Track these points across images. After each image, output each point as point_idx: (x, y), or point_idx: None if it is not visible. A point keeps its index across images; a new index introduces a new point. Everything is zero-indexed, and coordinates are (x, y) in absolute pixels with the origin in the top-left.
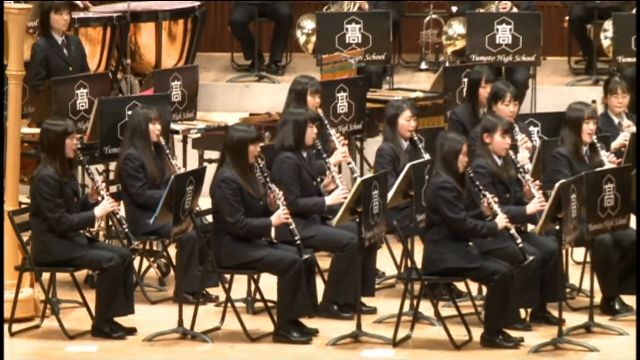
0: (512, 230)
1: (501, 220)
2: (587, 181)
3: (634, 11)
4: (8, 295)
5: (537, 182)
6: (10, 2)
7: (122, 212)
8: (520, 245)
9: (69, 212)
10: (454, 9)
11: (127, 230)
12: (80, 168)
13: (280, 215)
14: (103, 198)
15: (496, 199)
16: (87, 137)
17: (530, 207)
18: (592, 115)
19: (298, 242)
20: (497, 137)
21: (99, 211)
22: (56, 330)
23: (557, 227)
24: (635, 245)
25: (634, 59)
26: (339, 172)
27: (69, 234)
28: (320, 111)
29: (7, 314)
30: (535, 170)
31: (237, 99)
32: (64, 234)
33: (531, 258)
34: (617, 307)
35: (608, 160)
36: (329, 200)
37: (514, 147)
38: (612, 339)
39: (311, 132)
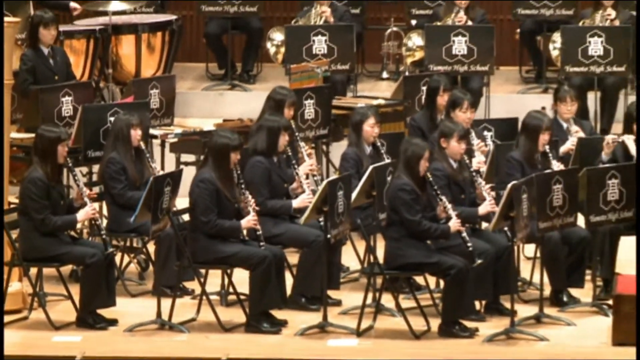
0: (464, 234)
1: (454, 224)
2: (537, 182)
3: (580, 24)
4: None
5: (489, 185)
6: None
7: (104, 213)
8: (471, 248)
9: (54, 214)
10: (413, 22)
11: (104, 236)
12: (65, 170)
13: (250, 220)
14: (86, 200)
15: (450, 206)
16: (71, 141)
17: (482, 209)
18: (549, 126)
19: (262, 246)
20: (453, 143)
21: (80, 216)
22: (43, 322)
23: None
24: (581, 241)
25: (580, 69)
26: (307, 177)
27: (55, 232)
28: (292, 122)
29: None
30: (489, 173)
31: (212, 106)
32: (49, 232)
33: (479, 262)
34: (565, 299)
35: (558, 164)
36: (295, 203)
37: (470, 151)
38: (561, 329)
39: (284, 140)
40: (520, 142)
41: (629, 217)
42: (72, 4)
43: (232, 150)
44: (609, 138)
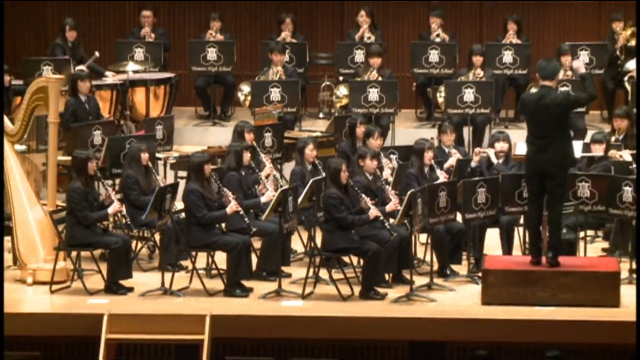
0: (381, 217)
1: (372, 213)
2: (428, 190)
3: (458, 79)
4: (49, 266)
5: (394, 191)
6: (49, 73)
7: (124, 211)
8: (388, 227)
9: (91, 211)
10: (341, 78)
11: (129, 222)
12: (96, 181)
13: (232, 206)
14: (113, 201)
15: (368, 199)
16: (101, 161)
17: (389, 207)
18: (430, 146)
19: (247, 222)
20: (367, 161)
21: (111, 210)
22: (80, 289)
23: (407, 221)
24: (459, 232)
25: (458, 110)
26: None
27: (90, 226)
28: (254, 143)
29: (48, 278)
30: (394, 183)
31: (200, 137)
32: (86, 226)
33: (395, 234)
34: (448, 272)
35: (443, 177)
36: (263, 199)
37: (381, 168)
38: (446, 294)
39: (246, 157)
40: (413, 161)
41: (492, 214)
42: (108, 73)
43: (205, 164)
44: (477, 150)
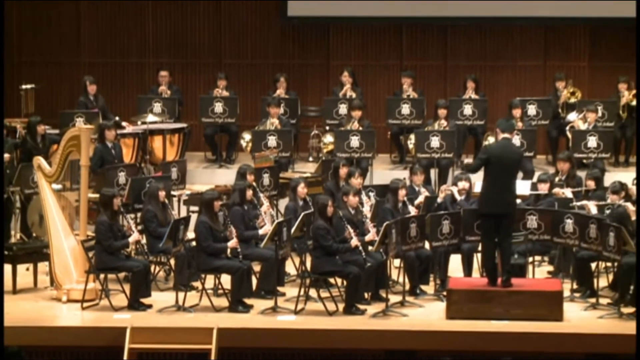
0: (360, 248)
1: (353, 242)
2: (401, 223)
3: (426, 129)
4: (81, 286)
5: (372, 223)
6: (81, 124)
7: (143, 240)
8: (364, 256)
9: (115, 241)
10: (327, 127)
11: (146, 251)
12: (120, 215)
13: (233, 242)
14: (134, 232)
15: (352, 230)
16: (125, 198)
17: (368, 237)
18: (403, 185)
19: (241, 259)
20: (350, 197)
21: (131, 239)
22: (107, 306)
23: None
24: (427, 257)
25: (426, 155)
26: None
27: (115, 253)
28: (255, 183)
29: (79, 297)
30: (372, 216)
31: (208, 177)
32: (112, 252)
33: (369, 264)
34: (418, 291)
35: (414, 211)
36: (261, 231)
37: (362, 203)
38: (416, 309)
39: (249, 194)
40: (388, 198)
41: (455, 242)
42: (124, 124)
43: (215, 200)
44: (442, 188)
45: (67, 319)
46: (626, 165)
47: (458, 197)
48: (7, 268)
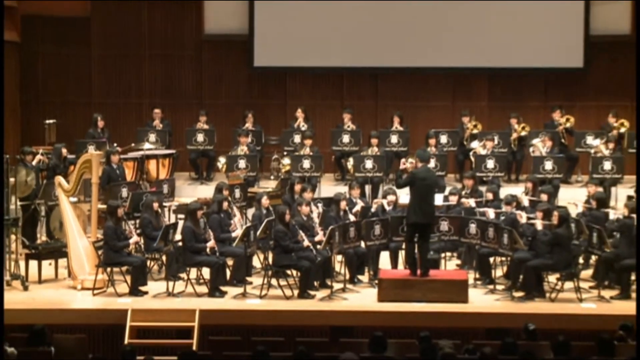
0: (311, 247)
1: (305, 243)
2: (342, 227)
3: (362, 153)
4: (92, 277)
5: (320, 227)
6: (92, 150)
7: (141, 241)
8: (314, 253)
9: (119, 241)
10: (285, 153)
11: (143, 250)
12: (123, 222)
13: (211, 243)
14: (133, 235)
15: (302, 234)
16: (126, 208)
17: (317, 238)
18: (344, 198)
19: (217, 255)
20: (303, 207)
21: (131, 241)
22: (113, 293)
23: (329, 246)
24: (363, 254)
25: (361, 174)
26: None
27: (119, 251)
28: (229, 196)
29: (91, 285)
30: (320, 222)
31: (192, 192)
32: (116, 251)
33: (318, 259)
34: (355, 280)
35: (352, 218)
36: (233, 234)
37: (312, 211)
38: (354, 295)
39: (224, 205)
40: (333, 207)
41: (384, 242)
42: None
43: (198, 210)
44: (375, 200)
45: (81, 303)
46: (516, 181)
47: (387, 207)
48: (34, 263)
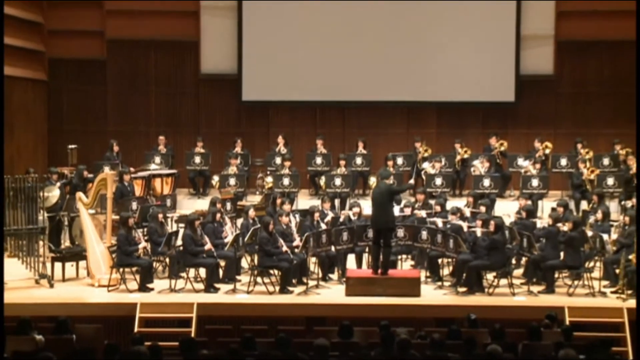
0: (289, 252)
1: (284, 248)
2: (316, 234)
3: (332, 173)
4: (107, 276)
5: (298, 234)
6: (108, 170)
7: (148, 246)
8: (292, 256)
9: (129, 246)
10: (268, 172)
11: (150, 253)
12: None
13: (206, 247)
14: (142, 241)
15: (282, 242)
16: (136, 219)
17: (295, 243)
18: (318, 210)
19: (215, 256)
20: (283, 218)
21: (140, 246)
22: (125, 289)
23: (305, 250)
24: (334, 256)
25: (333, 190)
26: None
27: (130, 254)
28: (221, 209)
29: (106, 283)
30: (298, 230)
31: (191, 205)
32: (127, 254)
33: (295, 261)
34: (327, 279)
35: (324, 226)
36: (225, 240)
37: (291, 221)
38: (327, 290)
39: (218, 215)
40: (308, 218)
41: (351, 246)
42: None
43: (196, 220)
44: (343, 212)
45: (98, 298)
46: (460, 196)
47: (353, 218)
48: (59, 265)
